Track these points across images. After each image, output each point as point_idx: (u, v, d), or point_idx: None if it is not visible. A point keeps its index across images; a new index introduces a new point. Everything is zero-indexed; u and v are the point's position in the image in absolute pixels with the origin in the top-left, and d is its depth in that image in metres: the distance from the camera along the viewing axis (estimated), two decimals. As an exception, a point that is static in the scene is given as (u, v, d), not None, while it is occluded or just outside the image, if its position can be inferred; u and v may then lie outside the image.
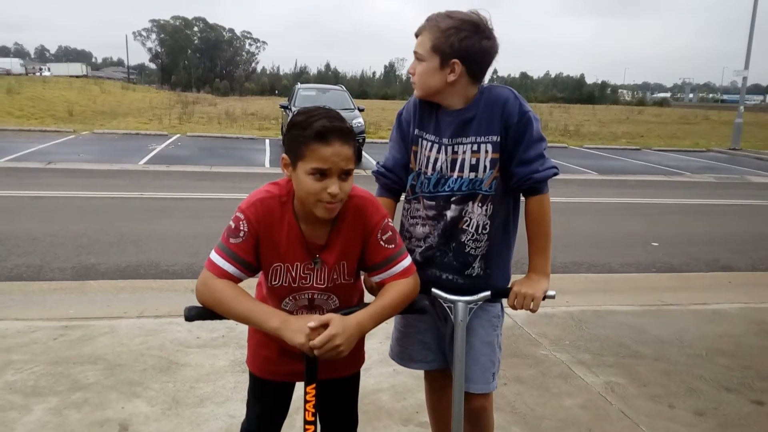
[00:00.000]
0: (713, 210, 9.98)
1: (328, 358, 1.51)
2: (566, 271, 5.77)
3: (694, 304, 4.85)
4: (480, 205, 1.92)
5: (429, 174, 1.94)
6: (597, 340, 4.02)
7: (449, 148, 1.90)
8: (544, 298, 1.92)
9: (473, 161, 1.88)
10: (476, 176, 1.89)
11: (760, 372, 3.62)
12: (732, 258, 6.69)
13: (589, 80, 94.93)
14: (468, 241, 1.95)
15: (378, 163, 2.14)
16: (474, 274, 1.98)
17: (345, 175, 1.57)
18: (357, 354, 1.94)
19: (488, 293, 1.92)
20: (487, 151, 1.87)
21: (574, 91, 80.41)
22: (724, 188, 12.49)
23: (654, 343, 4.01)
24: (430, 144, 1.94)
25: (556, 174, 1.92)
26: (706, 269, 6.26)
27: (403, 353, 2.20)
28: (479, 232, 1.94)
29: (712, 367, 3.68)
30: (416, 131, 1.97)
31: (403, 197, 2.09)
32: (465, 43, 1.78)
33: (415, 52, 1.86)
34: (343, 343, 1.51)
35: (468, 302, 1.91)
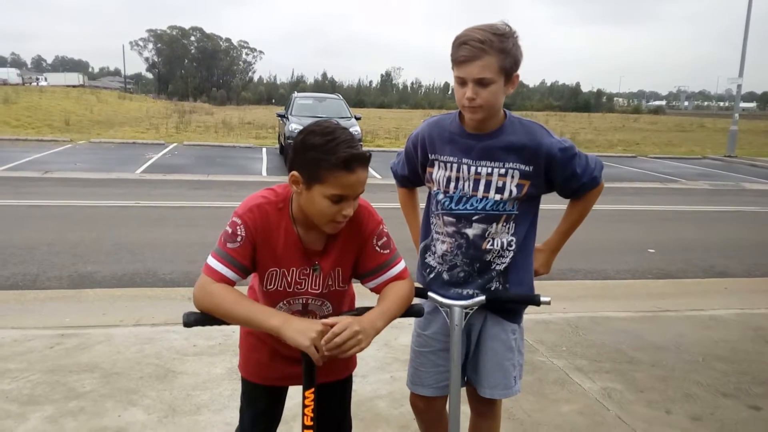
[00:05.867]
0: (709, 216, 10.02)
1: (346, 355, 1.50)
2: (563, 277, 5.77)
3: (691, 310, 4.86)
4: (504, 224, 1.95)
5: (451, 193, 1.96)
6: (594, 347, 4.03)
7: (472, 168, 1.92)
8: (539, 304, 1.92)
9: (500, 184, 1.91)
10: (501, 198, 1.92)
11: (757, 377, 3.63)
12: (728, 264, 6.71)
13: (585, 89, 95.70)
14: (494, 258, 1.98)
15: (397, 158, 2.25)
16: (493, 288, 2.01)
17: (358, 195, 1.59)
18: (350, 357, 1.94)
19: (482, 298, 1.93)
20: (513, 177, 1.90)
21: (570, 100, 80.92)
22: (719, 195, 12.54)
23: (651, 349, 4.01)
24: (449, 164, 1.96)
25: (602, 164, 2.03)
26: (702, 275, 6.28)
27: (414, 376, 2.15)
28: (504, 248, 1.97)
29: (708, 372, 3.69)
30: (431, 155, 2.01)
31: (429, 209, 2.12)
32: (521, 54, 1.81)
33: (481, 79, 1.75)
34: (364, 337, 1.50)
35: (464, 306, 1.92)
